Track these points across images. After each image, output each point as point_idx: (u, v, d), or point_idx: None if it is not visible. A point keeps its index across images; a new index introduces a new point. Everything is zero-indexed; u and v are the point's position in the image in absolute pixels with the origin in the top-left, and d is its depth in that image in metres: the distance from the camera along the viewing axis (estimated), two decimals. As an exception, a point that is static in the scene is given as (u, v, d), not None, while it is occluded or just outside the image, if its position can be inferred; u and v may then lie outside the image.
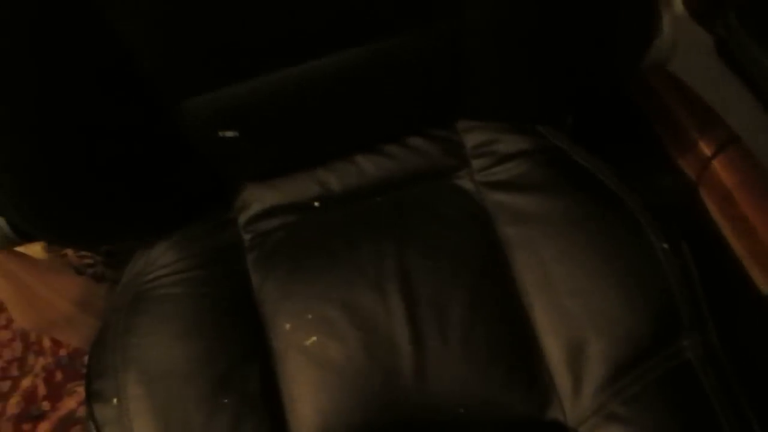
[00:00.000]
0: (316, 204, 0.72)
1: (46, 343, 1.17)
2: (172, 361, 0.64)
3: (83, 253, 0.81)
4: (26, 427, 1.12)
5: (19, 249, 0.73)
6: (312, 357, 0.65)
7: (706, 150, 0.97)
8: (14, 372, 1.16)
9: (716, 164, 0.97)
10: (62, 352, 1.17)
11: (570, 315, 0.64)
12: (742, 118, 0.62)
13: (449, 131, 0.74)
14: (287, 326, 0.66)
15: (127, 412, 0.62)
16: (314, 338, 0.65)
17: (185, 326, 0.66)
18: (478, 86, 0.68)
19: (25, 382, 1.15)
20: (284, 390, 0.64)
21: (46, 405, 1.13)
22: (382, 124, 0.71)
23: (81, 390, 1.13)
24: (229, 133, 0.63)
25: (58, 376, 1.15)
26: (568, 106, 0.76)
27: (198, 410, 0.62)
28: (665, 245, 0.65)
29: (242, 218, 0.72)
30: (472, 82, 0.67)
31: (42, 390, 1.15)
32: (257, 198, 0.72)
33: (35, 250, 0.75)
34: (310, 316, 0.66)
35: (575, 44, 0.64)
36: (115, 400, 0.63)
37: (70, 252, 0.80)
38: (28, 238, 0.63)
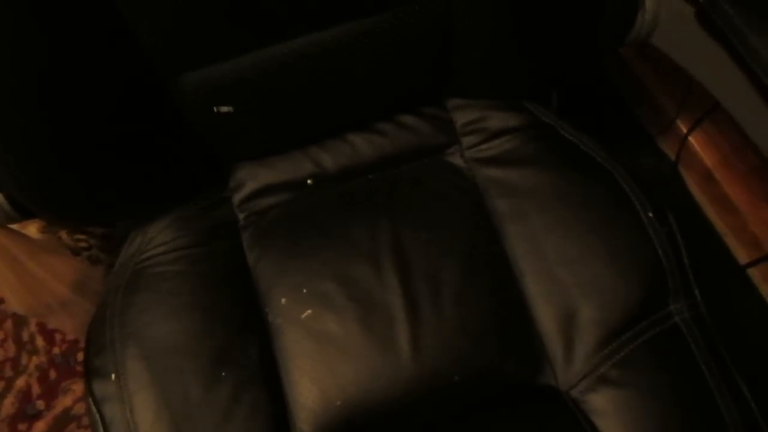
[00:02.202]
0: (310, 182, 0.73)
1: (40, 342, 1.17)
2: (171, 337, 0.65)
3: (78, 236, 0.81)
4: (22, 426, 1.12)
5: (15, 228, 0.73)
6: (308, 329, 0.66)
7: (683, 127, 1.00)
8: (8, 372, 1.16)
9: (694, 142, 0.99)
10: (55, 350, 1.16)
11: (561, 283, 0.66)
12: (725, 87, 0.64)
13: (439, 109, 0.76)
14: (283, 301, 0.67)
15: (126, 387, 0.63)
16: (309, 311, 0.66)
17: (183, 302, 0.67)
18: (467, 64, 0.70)
19: (20, 382, 1.15)
20: (282, 363, 0.65)
21: (41, 404, 1.13)
22: (374, 101, 0.72)
23: (75, 388, 1.13)
24: (225, 109, 0.64)
25: (52, 374, 1.15)
26: (555, 82, 0.78)
27: (197, 383, 0.63)
28: (650, 214, 0.67)
29: (237, 197, 0.74)
30: (461, 59, 0.69)
31: (36, 389, 1.14)
32: (251, 176, 0.73)
33: (30, 230, 0.75)
34: (305, 291, 0.67)
35: (563, 20, 0.66)
36: (113, 376, 0.63)
37: (64, 234, 0.80)
38: (26, 215, 0.63)
